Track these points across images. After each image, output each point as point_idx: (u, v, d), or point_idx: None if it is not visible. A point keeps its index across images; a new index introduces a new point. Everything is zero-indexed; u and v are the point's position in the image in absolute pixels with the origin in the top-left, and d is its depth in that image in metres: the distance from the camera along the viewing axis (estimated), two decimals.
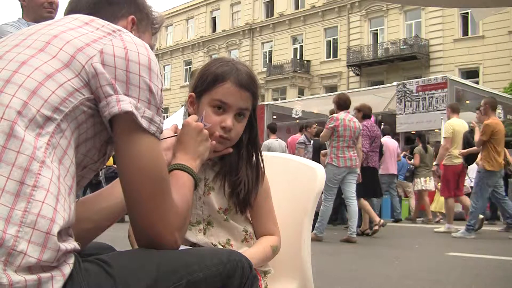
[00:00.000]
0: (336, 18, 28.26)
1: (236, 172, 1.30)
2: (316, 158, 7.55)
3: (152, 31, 1.23)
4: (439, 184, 8.40)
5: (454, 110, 7.75)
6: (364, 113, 6.90)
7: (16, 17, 2.95)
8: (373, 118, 8.37)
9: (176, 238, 0.96)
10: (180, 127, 1.26)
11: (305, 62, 29.27)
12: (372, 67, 26.18)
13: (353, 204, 6.02)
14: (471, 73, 22.80)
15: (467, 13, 21.98)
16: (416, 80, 12.96)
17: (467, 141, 7.09)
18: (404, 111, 11.96)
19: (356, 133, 6.08)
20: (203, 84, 1.28)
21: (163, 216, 0.94)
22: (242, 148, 1.32)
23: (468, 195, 8.02)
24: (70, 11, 1.12)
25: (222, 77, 1.26)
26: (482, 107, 6.69)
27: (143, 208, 0.92)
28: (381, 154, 7.71)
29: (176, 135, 1.23)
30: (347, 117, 6.10)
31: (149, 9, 1.22)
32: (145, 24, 1.20)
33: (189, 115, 1.29)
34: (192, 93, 1.31)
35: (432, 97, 11.56)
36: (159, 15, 1.26)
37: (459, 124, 7.47)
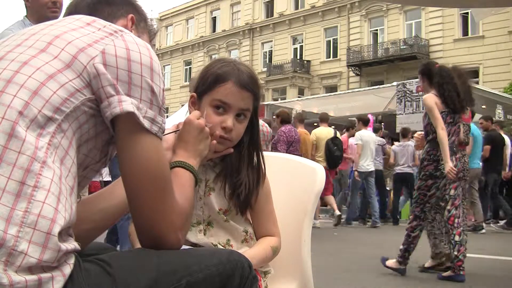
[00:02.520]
0: (336, 18, 28.25)
1: (237, 174, 1.30)
2: None
3: (149, 34, 1.24)
4: None
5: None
6: (282, 118, 7.37)
7: (21, 17, 2.94)
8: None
9: (179, 237, 0.97)
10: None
11: (305, 62, 29.25)
12: (372, 67, 26.17)
13: None
14: (471, 73, 22.72)
15: (467, 13, 21.97)
16: (416, 80, 12.89)
17: (328, 147, 7.94)
18: (404, 111, 11.94)
19: (268, 137, 6.30)
20: (204, 85, 1.28)
21: (165, 215, 0.94)
22: (243, 149, 1.32)
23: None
24: (70, 12, 1.12)
25: (223, 77, 1.26)
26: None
27: (146, 208, 0.93)
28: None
29: (176, 131, 1.23)
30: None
31: (146, 14, 1.23)
32: (143, 26, 1.21)
33: None
34: (194, 93, 1.31)
35: None
36: (154, 22, 1.27)
37: (323, 132, 8.22)
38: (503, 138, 8.53)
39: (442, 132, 3.86)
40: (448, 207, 3.91)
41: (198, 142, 1.18)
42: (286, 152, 7.35)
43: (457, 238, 3.82)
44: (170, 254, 0.94)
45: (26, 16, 2.89)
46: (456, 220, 3.87)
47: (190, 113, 1.31)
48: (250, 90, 1.28)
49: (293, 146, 7.42)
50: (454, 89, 3.95)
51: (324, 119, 8.58)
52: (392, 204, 9.46)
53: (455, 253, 3.78)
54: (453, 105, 3.96)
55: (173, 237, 0.95)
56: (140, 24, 1.19)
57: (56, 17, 2.72)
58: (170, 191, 0.95)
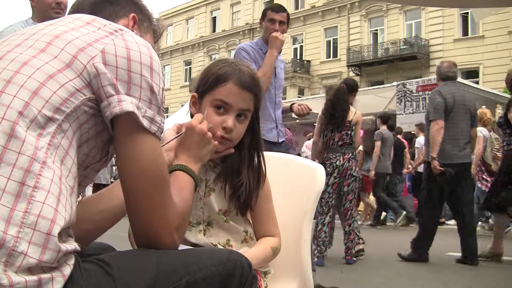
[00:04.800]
0: (336, 18, 28.24)
1: (238, 174, 1.30)
2: None
3: (153, 35, 1.23)
4: None
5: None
6: None
7: (26, 17, 2.96)
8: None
9: (175, 238, 0.97)
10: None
11: (305, 62, 29.24)
12: (372, 67, 26.15)
13: None
14: (471, 73, 22.76)
15: (467, 13, 21.95)
16: (416, 80, 12.94)
17: None
18: (404, 111, 11.94)
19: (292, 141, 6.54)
20: (206, 85, 1.28)
21: (162, 216, 0.94)
22: (244, 150, 1.32)
23: None
24: (73, 11, 1.12)
25: (224, 77, 1.26)
26: None
27: (143, 208, 0.93)
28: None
29: (178, 136, 1.22)
30: None
31: (150, 14, 1.22)
32: (147, 26, 1.20)
33: (191, 115, 1.28)
34: (195, 94, 1.31)
35: None
36: (159, 22, 1.26)
37: None
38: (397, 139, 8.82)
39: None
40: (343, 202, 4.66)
41: (200, 147, 1.18)
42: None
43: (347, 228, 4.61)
44: (170, 254, 0.94)
45: (31, 17, 2.91)
46: (349, 213, 4.65)
47: (191, 113, 1.31)
48: (251, 90, 1.28)
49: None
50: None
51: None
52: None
53: (344, 241, 4.61)
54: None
55: (169, 238, 0.95)
56: (144, 23, 1.19)
57: None
58: (167, 192, 0.95)
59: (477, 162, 5.96)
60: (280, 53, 3.22)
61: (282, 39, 3.10)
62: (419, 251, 4.68)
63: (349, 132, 4.61)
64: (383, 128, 8.42)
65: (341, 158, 4.57)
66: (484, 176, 7.07)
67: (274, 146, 3.14)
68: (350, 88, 4.79)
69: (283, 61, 3.46)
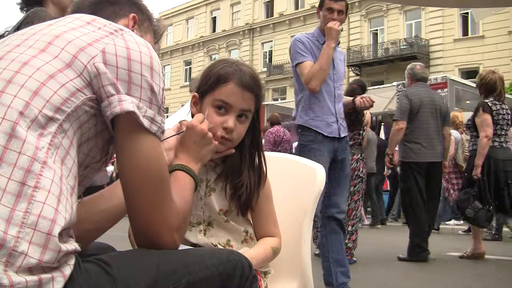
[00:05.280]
0: None
1: (238, 175, 1.30)
2: None
3: (154, 35, 1.23)
4: None
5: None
6: (271, 121, 8.10)
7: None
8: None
9: (175, 239, 0.97)
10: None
11: None
12: (372, 67, 26.15)
13: None
14: (471, 73, 22.73)
15: (467, 13, 21.96)
16: None
17: None
18: None
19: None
20: (206, 85, 1.28)
21: (162, 216, 0.94)
22: (244, 150, 1.32)
23: None
24: (73, 12, 1.12)
25: (225, 77, 1.26)
26: None
27: (143, 208, 0.93)
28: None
29: (178, 134, 1.22)
30: None
31: (150, 14, 1.22)
32: (147, 26, 1.20)
33: (192, 115, 1.28)
34: (196, 94, 1.31)
35: None
36: (160, 23, 1.26)
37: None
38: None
39: None
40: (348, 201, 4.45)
41: (200, 147, 1.18)
42: (273, 150, 7.66)
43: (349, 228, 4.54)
44: (170, 254, 0.94)
45: None
46: (353, 213, 4.60)
47: (191, 113, 1.31)
48: (252, 91, 1.28)
49: (281, 146, 7.67)
50: None
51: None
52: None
53: (346, 240, 4.24)
54: None
55: (169, 238, 0.95)
56: (144, 23, 1.19)
57: None
58: (168, 192, 0.95)
59: (449, 162, 6.02)
60: (338, 44, 3.09)
61: (338, 29, 2.95)
62: (416, 251, 4.68)
63: (361, 131, 4.67)
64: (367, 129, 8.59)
65: (350, 158, 4.59)
66: (452, 177, 7.26)
67: (335, 142, 3.02)
68: (361, 89, 4.85)
69: (342, 53, 3.32)
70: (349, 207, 4.64)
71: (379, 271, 4.23)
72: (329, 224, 3.04)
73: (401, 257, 4.77)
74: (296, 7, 30.59)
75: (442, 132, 4.83)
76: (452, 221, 8.44)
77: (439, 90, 11.51)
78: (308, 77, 2.94)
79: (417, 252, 4.67)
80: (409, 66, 5.13)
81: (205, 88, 1.29)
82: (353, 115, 4.47)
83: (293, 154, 3.29)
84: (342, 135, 3.06)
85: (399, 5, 24.01)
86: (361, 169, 4.65)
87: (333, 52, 2.99)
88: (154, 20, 1.23)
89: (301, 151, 3.00)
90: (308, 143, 3.00)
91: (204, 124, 1.19)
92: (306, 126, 3.04)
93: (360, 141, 4.67)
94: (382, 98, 13.15)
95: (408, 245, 4.75)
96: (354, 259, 4.60)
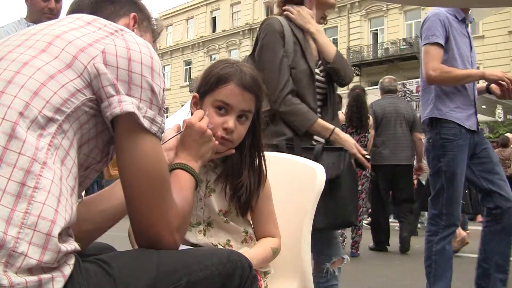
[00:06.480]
0: (336, 18, 28.22)
1: (238, 175, 1.30)
2: None
3: (153, 34, 1.23)
4: None
5: None
6: None
7: (19, 17, 3.00)
8: None
9: (175, 239, 0.97)
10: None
11: None
12: (372, 67, 26.14)
13: None
14: None
15: None
16: (416, 80, 12.92)
17: None
18: None
19: None
20: (207, 85, 1.28)
21: (163, 216, 0.94)
22: (245, 151, 1.32)
23: None
24: (72, 11, 1.12)
25: (226, 78, 1.26)
26: None
27: (143, 208, 0.93)
28: None
29: (178, 134, 1.22)
30: None
31: (149, 13, 1.22)
32: (146, 25, 1.20)
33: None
34: (196, 94, 1.31)
35: None
36: (158, 22, 1.26)
37: None
38: None
39: None
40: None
41: (200, 145, 1.17)
42: None
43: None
44: (170, 254, 0.94)
45: (24, 17, 2.94)
46: (360, 209, 5.01)
47: (192, 113, 1.31)
48: (252, 91, 1.28)
49: None
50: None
51: None
52: None
53: (353, 234, 4.99)
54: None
55: (169, 238, 0.95)
56: (143, 23, 1.19)
57: None
58: (168, 192, 0.95)
59: (417, 165, 6.15)
60: (470, 23, 2.88)
61: None
62: (377, 241, 5.39)
63: (366, 134, 4.98)
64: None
65: None
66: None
67: (475, 135, 2.66)
68: (364, 93, 5.19)
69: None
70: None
71: (379, 270, 4.23)
72: (502, 221, 2.62)
73: (370, 246, 5.47)
74: None
75: (412, 138, 5.25)
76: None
77: None
78: (438, 76, 2.60)
79: (377, 242, 5.43)
80: (380, 80, 5.68)
81: (206, 88, 1.29)
82: (362, 121, 4.83)
83: (425, 150, 2.77)
84: (479, 129, 2.74)
85: (399, 5, 24.01)
86: (367, 169, 4.75)
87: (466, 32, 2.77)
88: (153, 19, 1.23)
89: (443, 146, 2.62)
90: (452, 137, 2.60)
91: (203, 121, 1.19)
92: (445, 119, 2.62)
93: (366, 143, 4.94)
94: None
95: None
96: (358, 252, 4.92)
